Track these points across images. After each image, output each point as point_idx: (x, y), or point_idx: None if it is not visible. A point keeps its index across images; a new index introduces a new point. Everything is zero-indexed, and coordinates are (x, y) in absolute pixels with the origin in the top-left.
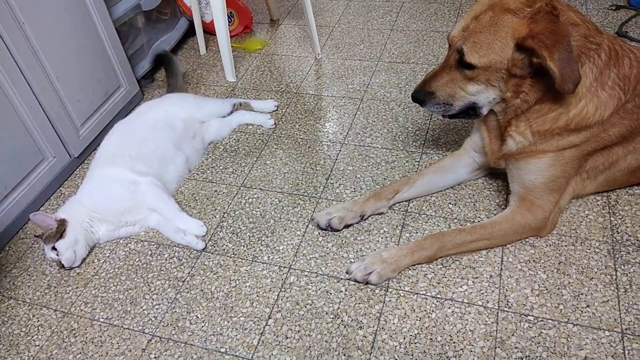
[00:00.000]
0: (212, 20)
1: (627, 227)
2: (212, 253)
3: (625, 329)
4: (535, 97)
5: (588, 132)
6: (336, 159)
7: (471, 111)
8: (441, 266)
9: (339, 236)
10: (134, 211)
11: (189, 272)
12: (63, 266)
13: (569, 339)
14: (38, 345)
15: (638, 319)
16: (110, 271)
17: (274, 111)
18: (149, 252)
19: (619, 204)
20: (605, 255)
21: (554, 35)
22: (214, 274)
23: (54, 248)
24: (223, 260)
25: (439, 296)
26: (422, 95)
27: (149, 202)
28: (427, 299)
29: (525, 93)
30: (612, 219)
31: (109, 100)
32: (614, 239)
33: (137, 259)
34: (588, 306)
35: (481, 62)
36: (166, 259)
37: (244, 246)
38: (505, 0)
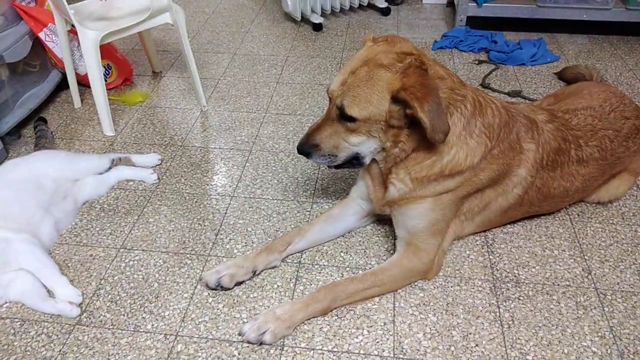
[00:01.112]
0: (87, 73)
1: (505, 264)
2: (87, 325)
3: None
4: (412, 146)
5: (461, 177)
6: (225, 213)
7: (355, 161)
8: (336, 317)
9: (230, 295)
10: (0, 274)
11: (60, 350)
12: None
13: None
14: None
15: (522, 354)
16: None
17: (157, 165)
18: (12, 331)
19: (496, 242)
20: (488, 293)
21: (423, 88)
22: (90, 349)
23: None
24: (100, 333)
25: (335, 349)
26: (307, 148)
27: (25, 262)
28: (323, 354)
29: (403, 142)
30: (491, 257)
31: None
32: (495, 277)
33: None
34: (477, 345)
35: (361, 115)
36: (32, 337)
37: (124, 315)
38: (379, 57)
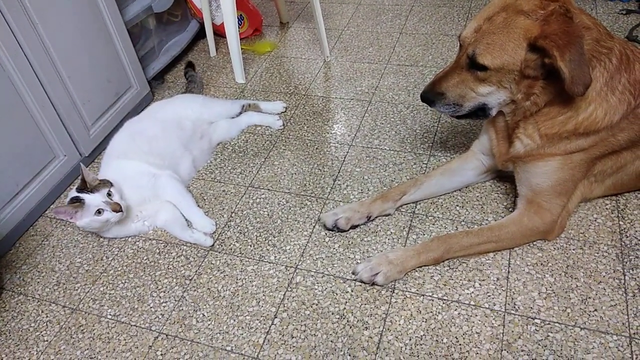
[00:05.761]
0: (223, 23)
1: (636, 231)
2: (219, 252)
3: (634, 333)
4: (545, 99)
5: (596, 136)
6: (344, 161)
7: (480, 112)
8: (448, 268)
9: (346, 237)
10: (151, 203)
11: (196, 271)
12: (120, 209)
13: (576, 343)
14: (46, 341)
15: None
16: (119, 269)
17: (282, 112)
18: (157, 251)
19: (628, 208)
20: (614, 259)
21: (566, 35)
22: (221, 272)
23: (109, 194)
24: (230, 260)
25: (445, 298)
26: (431, 96)
27: (168, 194)
28: (433, 300)
29: (536, 95)
30: (621, 223)
31: (120, 101)
32: (623, 243)
33: (145, 257)
34: (596, 310)
35: (494, 64)
36: (174, 258)
37: (251, 246)
38: (519, 2)
